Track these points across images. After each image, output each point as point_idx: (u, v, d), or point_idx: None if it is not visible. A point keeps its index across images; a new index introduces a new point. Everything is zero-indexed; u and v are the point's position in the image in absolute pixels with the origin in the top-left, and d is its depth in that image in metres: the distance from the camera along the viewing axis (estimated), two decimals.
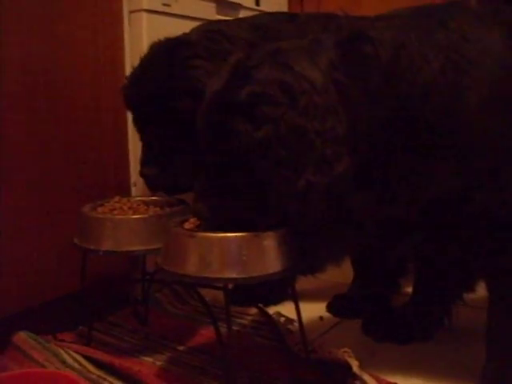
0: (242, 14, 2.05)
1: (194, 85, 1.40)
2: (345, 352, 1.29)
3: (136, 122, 1.56)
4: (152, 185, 1.54)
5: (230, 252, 1.10)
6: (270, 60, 1.09)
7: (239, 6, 2.07)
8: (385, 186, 1.12)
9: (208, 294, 1.39)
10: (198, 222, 1.21)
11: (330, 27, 1.19)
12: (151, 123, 1.50)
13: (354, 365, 1.25)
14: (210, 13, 1.92)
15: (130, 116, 1.65)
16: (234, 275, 1.10)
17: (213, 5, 1.94)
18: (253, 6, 2.14)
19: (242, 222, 1.12)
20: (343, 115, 1.06)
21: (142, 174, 1.53)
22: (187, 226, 1.22)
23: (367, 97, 1.08)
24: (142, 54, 1.53)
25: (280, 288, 1.72)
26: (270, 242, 1.11)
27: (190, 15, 1.83)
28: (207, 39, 1.49)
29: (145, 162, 1.53)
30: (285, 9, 2.33)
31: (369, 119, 1.08)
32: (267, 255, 1.11)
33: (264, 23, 1.58)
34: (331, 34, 1.15)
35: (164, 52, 1.49)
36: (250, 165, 1.08)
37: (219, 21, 1.71)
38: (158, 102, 1.46)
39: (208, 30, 1.54)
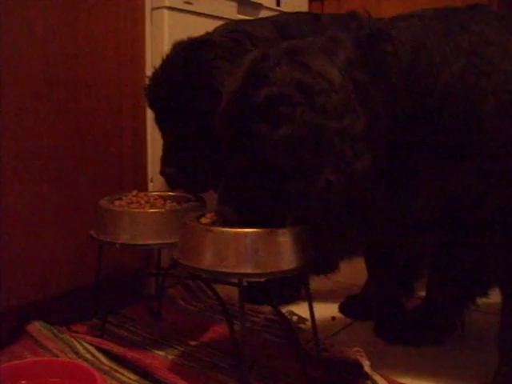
0: (263, 13, 2.06)
1: (215, 86, 1.41)
2: (357, 351, 1.29)
3: (158, 121, 1.57)
4: (172, 183, 1.55)
5: (245, 247, 1.10)
6: (286, 59, 1.09)
7: (260, 6, 2.08)
8: (400, 184, 1.12)
9: (222, 291, 1.39)
10: (215, 217, 1.22)
11: (351, 26, 1.18)
12: (173, 123, 1.51)
13: (366, 364, 1.25)
14: (231, 12, 1.93)
15: (149, 112, 1.66)
16: (248, 270, 1.10)
17: (234, 4, 1.95)
18: (273, 6, 2.15)
19: (264, 221, 1.13)
20: (361, 112, 1.06)
21: (162, 173, 1.54)
22: (204, 220, 1.23)
23: (386, 95, 1.08)
24: (164, 51, 1.54)
25: (294, 287, 1.73)
26: (285, 238, 1.11)
27: (211, 14, 1.84)
28: (230, 40, 1.49)
29: (166, 161, 1.54)
30: (305, 9, 2.33)
31: (387, 118, 1.08)
32: (282, 252, 1.11)
33: (287, 23, 1.58)
34: (350, 32, 1.15)
35: (186, 53, 1.49)
36: (271, 165, 1.08)
37: (243, 21, 1.71)
38: (179, 102, 1.47)
39: (232, 30, 1.54)
